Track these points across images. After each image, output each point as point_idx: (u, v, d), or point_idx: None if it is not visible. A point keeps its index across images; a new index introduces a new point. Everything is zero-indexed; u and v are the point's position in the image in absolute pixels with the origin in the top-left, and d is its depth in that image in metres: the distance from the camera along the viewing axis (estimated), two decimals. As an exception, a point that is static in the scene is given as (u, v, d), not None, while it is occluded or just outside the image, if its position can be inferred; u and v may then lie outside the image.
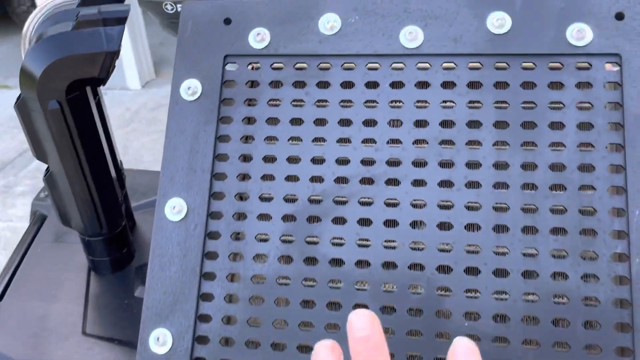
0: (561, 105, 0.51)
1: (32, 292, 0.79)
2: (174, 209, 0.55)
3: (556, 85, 0.52)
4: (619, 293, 0.48)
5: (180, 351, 0.52)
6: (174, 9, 0.93)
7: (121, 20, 0.65)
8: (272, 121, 0.56)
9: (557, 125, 0.51)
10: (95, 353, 0.70)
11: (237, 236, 0.54)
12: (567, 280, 0.49)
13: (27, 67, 0.62)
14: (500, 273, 0.50)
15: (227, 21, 0.58)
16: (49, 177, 0.73)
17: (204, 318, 0.52)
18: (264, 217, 0.54)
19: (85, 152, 0.71)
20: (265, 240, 0.54)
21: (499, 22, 0.53)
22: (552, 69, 0.52)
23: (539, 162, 0.50)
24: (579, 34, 0.51)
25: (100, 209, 0.75)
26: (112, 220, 0.77)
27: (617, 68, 0.51)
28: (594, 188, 0.49)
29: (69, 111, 0.68)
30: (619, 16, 0.51)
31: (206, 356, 0.52)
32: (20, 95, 0.67)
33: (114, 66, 0.67)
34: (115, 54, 0.66)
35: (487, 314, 0.49)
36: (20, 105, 0.68)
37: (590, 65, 0.51)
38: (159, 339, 0.52)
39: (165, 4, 0.97)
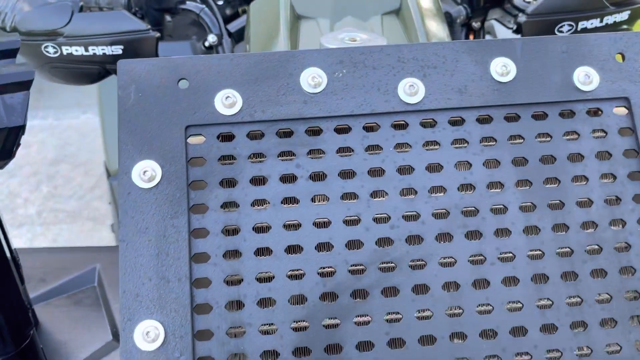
0: (580, 157, 0.35)
1: None
2: (147, 335, 0.31)
3: (572, 135, 0.35)
4: None
5: None
6: (58, 52, 0.64)
7: (24, 85, 0.38)
8: (260, 203, 0.34)
9: (579, 179, 0.35)
10: None
11: (237, 359, 0.31)
12: (622, 351, 0.32)
13: None
14: (552, 351, 0.39)
15: (182, 83, 0.34)
16: None
17: None
18: (267, 331, 0.32)
19: None
20: (274, 357, 0.32)
21: (502, 69, 0.36)
22: (563, 116, 0.36)
23: (569, 223, 0.34)
24: (586, 78, 0.36)
25: (2, 320, 0.46)
26: (19, 331, 0.49)
27: (626, 112, 0.36)
28: (629, 245, 0.34)
29: None
30: (621, 57, 0.36)
31: None
32: None
33: (19, 144, 0.40)
34: (21, 129, 0.38)
35: None
36: None
37: (601, 110, 0.36)
38: None
39: (46, 47, 0.67)
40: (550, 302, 0.39)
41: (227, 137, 0.41)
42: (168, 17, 0.83)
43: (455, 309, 0.39)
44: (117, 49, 0.71)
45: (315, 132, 0.41)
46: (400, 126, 0.42)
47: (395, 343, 0.38)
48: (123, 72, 0.41)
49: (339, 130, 0.41)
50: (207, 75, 0.41)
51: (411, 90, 0.41)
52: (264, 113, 0.41)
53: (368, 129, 0.41)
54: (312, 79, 0.41)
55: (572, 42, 0.43)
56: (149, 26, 0.71)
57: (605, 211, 0.41)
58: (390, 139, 0.41)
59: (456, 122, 0.42)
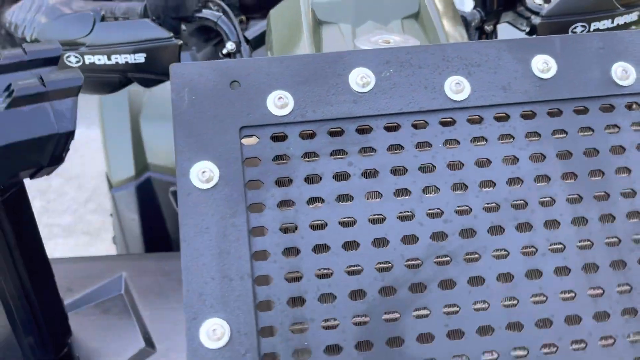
0: (622, 149, 0.36)
1: None
2: (214, 332, 0.32)
3: (612, 128, 0.37)
4: None
5: None
6: (80, 62, 0.64)
7: (72, 90, 0.39)
8: (315, 201, 0.35)
9: (623, 171, 0.36)
10: None
11: (300, 352, 0.32)
12: None
13: None
14: (605, 339, 0.40)
15: (235, 85, 0.35)
16: None
17: None
18: (329, 322, 0.33)
19: (25, 262, 0.43)
20: (338, 351, 0.32)
21: (543, 65, 0.37)
22: (604, 110, 0.37)
23: (615, 213, 0.36)
24: (624, 73, 0.38)
25: (44, 328, 0.46)
26: (59, 339, 0.49)
27: None
28: None
29: (4, 215, 0.40)
30: None
31: None
32: None
33: (68, 149, 0.40)
34: (70, 135, 0.39)
35: None
36: None
37: (639, 105, 0.37)
38: None
39: (68, 57, 0.67)
40: (602, 291, 0.41)
41: (280, 138, 0.41)
42: (184, 26, 0.84)
43: (510, 300, 0.40)
44: (140, 57, 0.72)
45: (365, 130, 0.42)
46: (447, 123, 0.43)
47: (455, 334, 0.39)
48: (176, 76, 0.42)
49: (389, 129, 0.42)
50: (258, 77, 0.42)
51: (457, 88, 0.43)
52: (315, 113, 0.42)
53: (417, 126, 0.43)
54: (361, 78, 0.42)
55: (609, 39, 0.45)
56: (172, 34, 0.72)
57: None
58: (439, 135, 0.42)
59: (501, 118, 0.43)
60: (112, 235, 1.68)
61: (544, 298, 0.40)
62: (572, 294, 0.40)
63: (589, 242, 0.41)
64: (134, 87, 1.66)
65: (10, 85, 0.43)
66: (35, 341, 0.52)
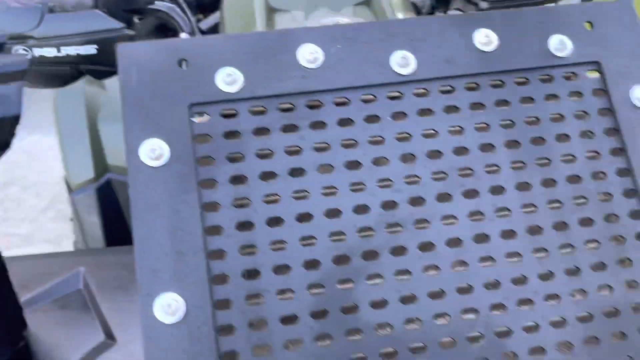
0: (561, 117, 0.38)
1: None
2: (169, 307, 0.32)
3: (552, 98, 0.39)
4: None
5: None
6: (29, 55, 0.63)
7: (18, 74, 0.39)
8: (268, 176, 0.35)
9: (562, 138, 0.38)
10: None
11: (257, 325, 0.33)
12: (613, 292, 0.36)
13: None
14: (552, 298, 0.42)
15: (183, 63, 0.36)
16: None
17: None
18: (285, 292, 0.33)
19: None
20: (294, 321, 0.33)
21: (485, 39, 0.39)
22: (543, 81, 0.39)
23: (557, 177, 0.38)
24: (561, 45, 0.40)
25: (1, 322, 0.46)
26: (15, 333, 0.48)
27: (598, 75, 0.39)
28: (610, 194, 0.37)
29: None
30: (589, 26, 0.40)
31: None
32: None
33: (14, 134, 0.40)
34: (16, 119, 0.39)
35: (550, 346, 0.40)
36: None
37: (576, 74, 0.39)
38: None
39: (16, 50, 0.65)
40: (546, 251, 0.42)
41: (231, 114, 0.42)
42: (136, 18, 0.83)
43: (459, 264, 0.42)
44: (91, 49, 0.70)
45: (315, 105, 0.43)
46: (395, 97, 0.44)
47: (407, 299, 0.40)
48: (123, 56, 0.41)
49: (338, 103, 0.43)
50: (206, 55, 0.42)
51: (403, 62, 0.44)
52: (264, 89, 0.42)
53: (365, 100, 0.44)
54: (309, 54, 0.43)
55: (546, 13, 0.47)
56: (123, 25, 0.71)
57: (587, 165, 0.44)
58: (387, 108, 0.43)
59: (446, 91, 0.45)
60: (74, 240, 1.64)
61: (492, 261, 0.42)
62: (519, 256, 0.42)
63: (532, 206, 0.43)
64: (91, 89, 1.63)
65: (-49, 69, 0.42)
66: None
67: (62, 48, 0.70)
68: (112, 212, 1.59)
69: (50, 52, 0.70)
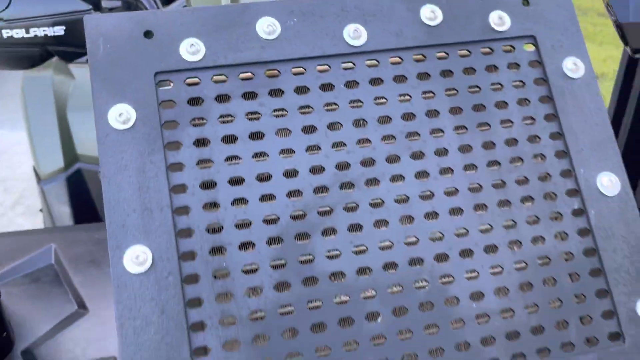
0: (500, 86, 0.43)
1: None
2: (137, 259, 0.35)
3: (492, 69, 0.43)
4: (585, 243, 0.42)
5: None
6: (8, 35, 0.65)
7: None
8: (229, 139, 0.39)
9: (501, 105, 0.43)
10: None
11: (220, 274, 0.36)
12: (545, 242, 0.41)
13: None
14: (491, 249, 0.46)
15: (149, 34, 0.39)
16: None
17: None
18: (246, 246, 0.37)
19: None
20: (254, 271, 0.37)
21: (431, 14, 0.43)
22: (484, 54, 0.44)
23: (495, 140, 0.42)
24: (500, 20, 0.44)
25: None
26: None
27: (534, 48, 0.44)
28: (544, 156, 0.42)
29: None
30: (525, 3, 0.44)
31: None
32: None
33: None
34: None
35: (489, 291, 0.42)
36: None
37: (514, 47, 0.44)
38: None
39: None
40: (485, 208, 0.47)
41: (194, 82, 0.45)
42: (104, 1, 0.85)
43: (407, 219, 0.45)
44: (60, 30, 0.72)
45: (273, 74, 0.46)
46: (348, 67, 0.47)
47: (359, 251, 0.44)
48: (90, 27, 0.44)
49: (295, 72, 0.47)
50: (171, 27, 0.45)
51: (355, 35, 0.47)
52: (226, 59, 0.45)
53: (320, 70, 0.47)
54: (267, 27, 0.46)
55: None
56: (91, 6, 0.73)
57: (523, 129, 0.49)
58: (340, 77, 0.47)
59: (395, 62, 0.48)
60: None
61: (436, 216, 0.46)
62: (460, 212, 0.46)
63: (473, 167, 0.47)
64: (59, 78, 1.63)
65: None
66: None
67: (30, 29, 0.72)
68: (82, 201, 1.59)
69: (18, 33, 0.72)
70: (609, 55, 4.45)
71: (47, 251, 0.71)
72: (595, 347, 0.45)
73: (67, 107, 1.59)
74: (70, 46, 0.75)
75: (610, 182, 0.48)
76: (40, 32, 0.72)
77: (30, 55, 0.75)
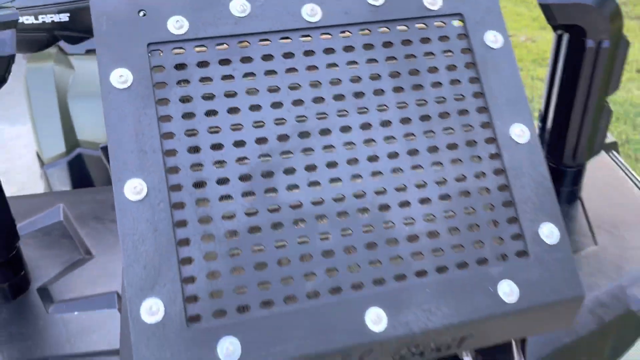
0: (432, 55, 0.54)
1: None
2: (135, 189, 0.46)
3: (426, 40, 0.54)
4: (499, 181, 0.53)
5: (174, 315, 0.44)
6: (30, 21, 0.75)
7: (10, 24, 0.52)
8: (209, 97, 0.50)
9: (433, 70, 0.54)
10: None
11: (201, 202, 0.47)
12: (467, 180, 0.52)
13: None
14: (421, 185, 0.56)
15: (142, 12, 0.49)
16: None
17: (189, 280, 0.45)
18: (222, 181, 0.48)
19: None
20: (229, 198, 0.47)
21: None
22: (420, 28, 0.54)
23: (427, 99, 0.53)
24: (433, 0, 0.54)
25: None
26: (10, 242, 0.61)
27: (461, 24, 0.55)
28: (467, 111, 0.53)
29: None
30: None
31: (200, 312, 0.45)
32: None
33: (10, 71, 0.53)
34: (12, 58, 0.52)
35: (419, 218, 0.54)
36: None
37: (445, 23, 0.55)
38: (152, 308, 0.44)
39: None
40: (418, 152, 0.57)
41: (180, 51, 0.55)
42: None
43: (353, 161, 0.56)
44: (64, 17, 0.83)
45: (244, 46, 0.57)
46: (306, 40, 0.58)
47: (314, 184, 0.55)
48: (95, 7, 0.54)
49: (262, 44, 0.57)
50: (160, 6, 0.55)
51: (312, 13, 0.58)
52: (205, 32, 0.56)
53: (283, 42, 0.58)
54: (239, 6, 0.57)
55: None
56: (92, -4, 0.83)
57: (451, 90, 0.60)
58: (299, 47, 0.58)
59: (345, 36, 0.59)
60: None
61: (377, 158, 0.56)
62: (397, 155, 0.57)
63: (408, 119, 0.58)
64: (60, 69, 1.74)
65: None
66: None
67: (39, 16, 0.82)
68: (83, 183, 1.70)
69: (28, 19, 0.82)
70: None
71: (56, 210, 0.81)
72: (505, 262, 0.56)
73: (68, 95, 1.69)
74: (73, 31, 0.85)
75: (521, 132, 0.59)
76: (47, 18, 0.82)
77: (39, 39, 0.85)
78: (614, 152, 0.98)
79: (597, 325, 0.68)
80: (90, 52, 1.80)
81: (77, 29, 0.84)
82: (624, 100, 3.87)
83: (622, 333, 0.71)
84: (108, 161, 1.55)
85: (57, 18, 0.82)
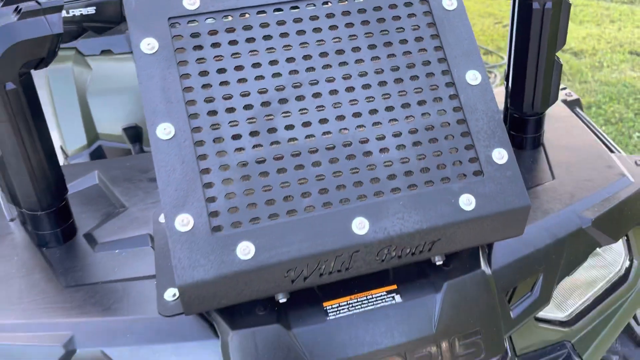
0: (399, 17, 0.68)
1: None
2: (165, 130, 0.60)
3: (394, 6, 0.69)
4: (457, 116, 0.66)
5: (201, 226, 0.57)
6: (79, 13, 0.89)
7: (57, 8, 0.66)
8: (219, 58, 0.63)
9: (399, 30, 0.70)
10: (79, 294, 0.69)
11: (217, 140, 0.61)
12: (430, 116, 0.64)
13: None
14: (393, 121, 0.69)
15: None
16: None
17: (211, 199, 0.59)
18: (233, 123, 0.62)
19: (37, 129, 0.69)
20: (239, 137, 0.61)
21: None
22: None
23: (396, 53, 0.67)
24: None
25: (52, 180, 0.72)
26: (61, 191, 0.75)
27: None
28: (429, 62, 0.66)
29: (21, 91, 0.66)
30: None
31: (221, 223, 0.58)
32: None
33: (59, 48, 0.67)
34: (60, 36, 0.66)
35: (392, 147, 0.68)
36: None
37: None
38: (183, 221, 0.57)
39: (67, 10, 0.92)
40: (389, 95, 0.70)
41: (194, 22, 0.69)
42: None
43: (337, 104, 0.69)
44: (92, 10, 0.97)
45: (245, 16, 0.70)
46: (295, 9, 0.71)
47: (305, 124, 0.68)
48: (126, -8, 0.68)
49: (259, 14, 0.71)
50: None
51: None
52: (213, 7, 0.69)
53: (276, 12, 0.71)
54: None
55: None
56: (113, -11, 0.97)
57: (415, 45, 0.72)
58: (290, 16, 0.71)
59: (326, 5, 0.72)
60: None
61: (356, 101, 0.70)
62: (372, 98, 0.70)
63: (381, 70, 0.71)
64: (78, 68, 1.88)
65: (18, 6, 0.68)
66: (48, 188, 0.77)
67: (70, 10, 0.96)
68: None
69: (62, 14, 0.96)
70: (588, 33, 4.68)
71: (92, 175, 0.95)
72: (464, 180, 0.69)
73: (87, 93, 1.84)
74: (99, 22, 0.99)
75: (474, 76, 0.72)
76: (77, 12, 0.96)
77: (69, 31, 0.99)
78: (577, 108, 1.11)
79: (552, 240, 0.80)
80: (105, 52, 1.96)
81: (102, 20, 0.98)
82: (617, 81, 3.98)
83: (575, 249, 0.83)
84: (129, 140, 1.69)
85: (85, 11, 0.96)
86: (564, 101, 1.11)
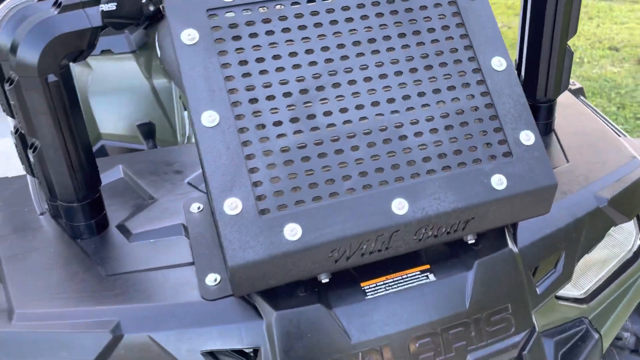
0: (426, 7, 0.71)
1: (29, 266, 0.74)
2: (209, 117, 0.62)
3: None
4: (485, 100, 0.69)
5: (249, 209, 0.59)
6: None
7: (97, 1, 0.68)
8: (257, 48, 0.65)
9: (427, 19, 0.72)
10: (120, 282, 0.70)
11: (260, 127, 0.63)
12: (460, 101, 0.67)
13: (25, 49, 0.62)
14: (426, 106, 0.72)
15: None
16: (38, 153, 0.69)
17: (257, 184, 0.61)
18: (274, 110, 0.64)
19: (75, 120, 0.70)
20: (280, 124, 0.63)
21: None
22: None
23: (425, 41, 0.70)
24: None
25: (88, 172, 0.73)
26: (95, 183, 0.76)
27: None
28: (456, 49, 0.69)
29: (62, 83, 0.68)
30: None
31: (268, 207, 0.60)
32: (9, 79, 0.65)
33: (98, 39, 0.68)
34: (99, 29, 0.68)
35: (425, 131, 0.70)
36: (16, 87, 0.65)
37: None
38: (232, 204, 0.59)
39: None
40: (420, 81, 0.73)
41: (231, 14, 0.71)
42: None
43: (371, 90, 0.72)
44: (112, 6, 0.97)
45: (280, 6, 0.72)
46: (327, 0, 0.74)
47: (343, 110, 0.70)
48: (166, -12, 0.70)
49: (293, 4, 0.73)
50: None
51: None
52: (250, -1, 0.71)
53: (310, 2, 0.73)
54: None
55: None
56: (133, -13, 0.98)
57: (442, 33, 0.75)
58: (322, 7, 0.73)
59: None
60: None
61: (390, 87, 0.72)
62: (405, 84, 0.72)
63: (412, 58, 0.73)
64: (79, 69, 1.88)
65: (57, 0, 0.69)
66: (84, 179, 0.78)
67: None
68: (108, 172, 1.82)
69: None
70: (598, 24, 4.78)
71: (116, 169, 0.96)
72: (495, 161, 0.72)
73: (88, 92, 1.84)
74: (119, 18, 0.99)
75: (499, 62, 0.75)
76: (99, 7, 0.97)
77: (91, 27, 1.00)
78: (581, 96, 1.15)
79: (572, 219, 0.84)
80: (105, 52, 1.95)
81: (123, 16, 0.99)
82: (599, 76, 4.07)
83: (593, 227, 0.87)
84: (142, 137, 1.70)
85: (106, 7, 0.97)
86: (569, 90, 1.15)
